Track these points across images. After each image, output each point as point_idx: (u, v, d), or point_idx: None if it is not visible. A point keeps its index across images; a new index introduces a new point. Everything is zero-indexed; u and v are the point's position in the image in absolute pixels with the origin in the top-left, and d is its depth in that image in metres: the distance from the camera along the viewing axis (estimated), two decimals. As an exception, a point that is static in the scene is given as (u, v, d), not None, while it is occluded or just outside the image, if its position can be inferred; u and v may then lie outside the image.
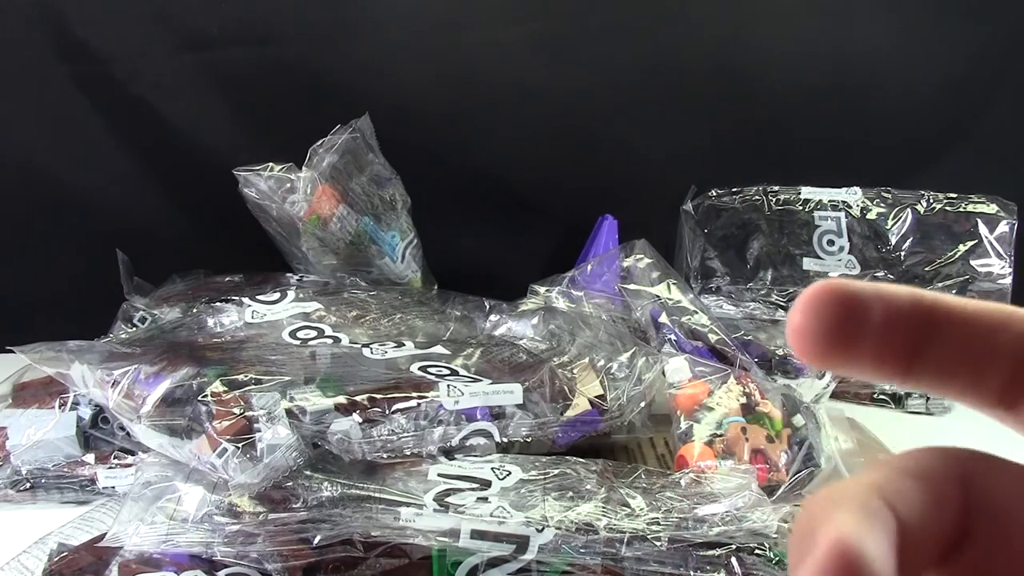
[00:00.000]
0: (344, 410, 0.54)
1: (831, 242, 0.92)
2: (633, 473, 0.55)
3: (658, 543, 0.47)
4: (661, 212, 0.99)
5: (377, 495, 0.50)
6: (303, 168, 0.77)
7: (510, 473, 0.53)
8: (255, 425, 0.51)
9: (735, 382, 0.64)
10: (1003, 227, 0.86)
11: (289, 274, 0.83)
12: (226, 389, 0.52)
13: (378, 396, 0.55)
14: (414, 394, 0.56)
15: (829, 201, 0.91)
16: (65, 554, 0.51)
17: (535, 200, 1.04)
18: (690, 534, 0.48)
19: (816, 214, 0.92)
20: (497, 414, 0.58)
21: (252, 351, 0.60)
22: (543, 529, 0.47)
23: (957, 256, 0.88)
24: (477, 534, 0.47)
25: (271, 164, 0.77)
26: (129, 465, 0.64)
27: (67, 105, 0.93)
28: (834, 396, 0.76)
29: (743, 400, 0.63)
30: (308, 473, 0.51)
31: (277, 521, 0.48)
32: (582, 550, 0.47)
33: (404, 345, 0.64)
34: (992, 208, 0.87)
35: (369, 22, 0.95)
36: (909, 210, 0.89)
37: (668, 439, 0.65)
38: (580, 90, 1.00)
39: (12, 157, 0.94)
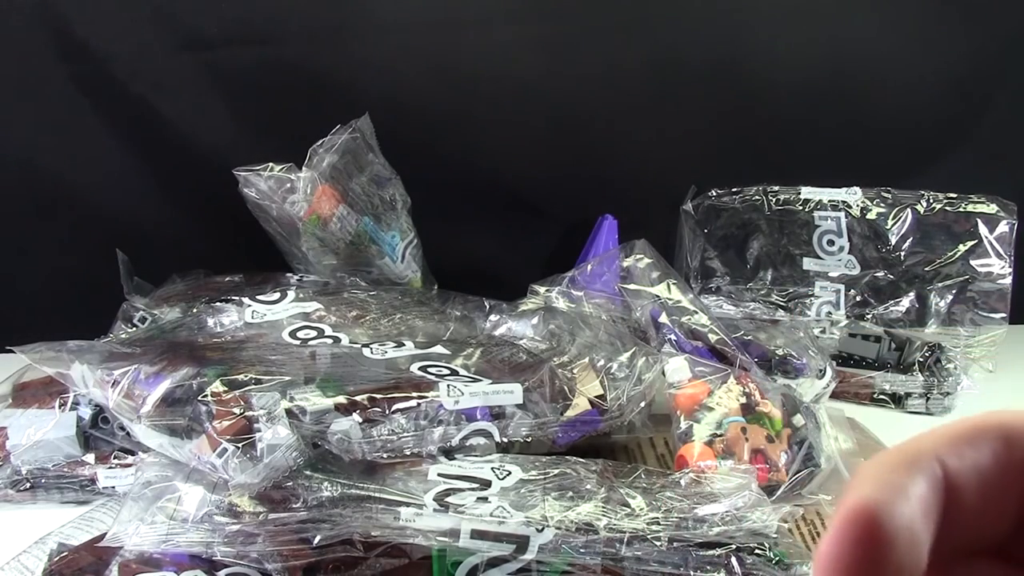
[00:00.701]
0: (344, 410, 0.54)
1: (831, 242, 0.92)
2: (633, 473, 0.55)
3: (658, 543, 0.47)
4: (661, 212, 0.99)
5: (377, 495, 0.50)
6: (303, 168, 0.77)
7: (510, 473, 0.53)
8: (255, 425, 0.51)
9: (735, 382, 0.64)
10: (1003, 227, 0.86)
11: (289, 274, 0.83)
12: (226, 389, 0.52)
13: (378, 396, 0.55)
14: (414, 394, 0.56)
15: (829, 201, 0.91)
16: (65, 554, 0.51)
17: (535, 200, 1.04)
18: (690, 534, 0.48)
19: (816, 214, 0.92)
20: (497, 414, 0.58)
21: (252, 351, 0.60)
22: (543, 529, 0.47)
23: (957, 256, 0.88)
24: (477, 534, 0.47)
25: (271, 164, 0.77)
26: (129, 465, 0.64)
27: (67, 105, 0.93)
28: (834, 396, 0.76)
29: (743, 400, 0.63)
30: (308, 473, 0.51)
31: (277, 521, 0.48)
32: (582, 550, 0.47)
33: (404, 345, 0.64)
34: (992, 208, 0.87)
35: (369, 22, 0.95)
36: (909, 210, 0.89)
37: (668, 439, 0.65)
38: (580, 90, 1.00)
39: (12, 157, 0.94)
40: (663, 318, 0.72)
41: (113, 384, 0.53)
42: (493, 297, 0.78)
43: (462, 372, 0.60)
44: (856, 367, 0.84)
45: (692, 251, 0.97)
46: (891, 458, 0.14)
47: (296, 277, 0.82)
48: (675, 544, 0.48)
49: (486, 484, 0.51)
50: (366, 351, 0.62)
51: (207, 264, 0.87)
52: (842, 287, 0.92)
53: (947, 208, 0.88)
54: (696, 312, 0.72)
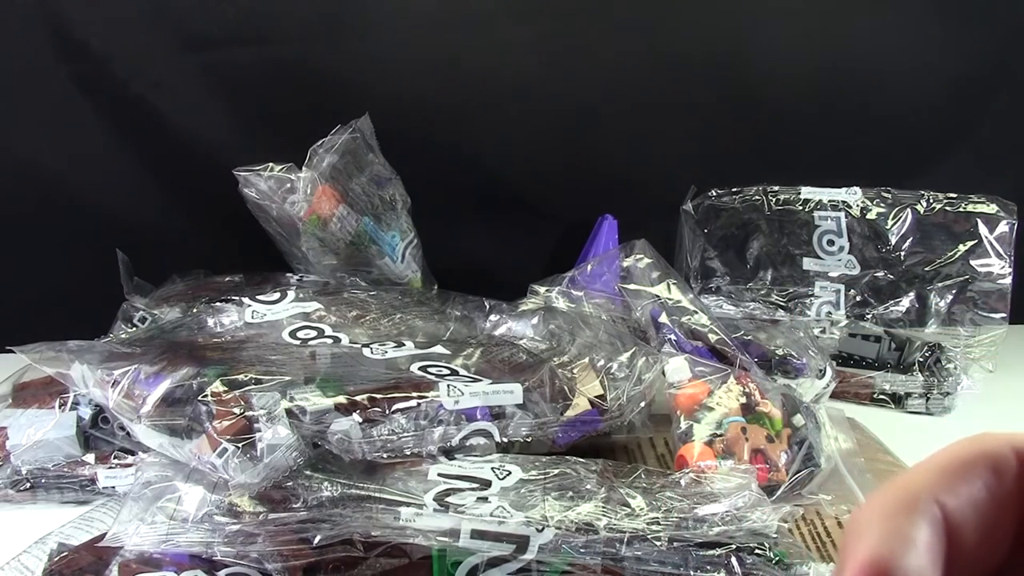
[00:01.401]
0: (344, 410, 0.54)
1: (831, 242, 0.92)
2: (633, 473, 0.55)
3: (658, 543, 0.47)
4: (661, 212, 0.99)
5: (377, 495, 0.50)
6: (303, 168, 0.77)
7: (510, 473, 0.53)
8: (255, 425, 0.51)
9: (735, 382, 0.64)
10: (1003, 227, 0.86)
11: (289, 274, 0.83)
12: (226, 389, 0.52)
13: (378, 396, 0.55)
14: (414, 394, 0.56)
15: (829, 201, 0.91)
16: (65, 554, 0.51)
17: (535, 200, 1.04)
18: (690, 534, 0.48)
19: (816, 214, 0.92)
20: (497, 414, 0.58)
21: (252, 351, 0.60)
22: (543, 529, 0.47)
23: (957, 256, 0.88)
24: (477, 534, 0.47)
25: (271, 164, 0.77)
26: (129, 465, 0.64)
27: (67, 105, 0.93)
28: (834, 396, 0.76)
29: (743, 400, 0.63)
30: (308, 473, 0.51)
31: (277, 521, 0.48)
32: (582, 550, 0.47)
33: (404, 345, 0.64)
34: (992, 208, 0.87)
35: (369, 22, 0.95)
36: (909, 210, 0.89)
37: (668, 439, 0.65)
38: (580, 90, 1.00)
39: (12, 157, 0.94)
40: (663, 318, 0.72)
41: (113, 384, 0.53)
42: (493, 297, 0.78)
43: (462, 372, 0.60)
44: (856, 367, 0.84)
45: (692, 251, 0.97)
46: (889, 502, 0.14)
47: (296, 277, 0.82)
48: (675, 544, 0.48)
49: (486, 484, 0.51)
50: (366, 351, 0.62)
51: (207, 264, 0.87)
52: (842, 287, 0.92)
53: (947, 208, 0.88)
54: (696, 312, 0.72)
